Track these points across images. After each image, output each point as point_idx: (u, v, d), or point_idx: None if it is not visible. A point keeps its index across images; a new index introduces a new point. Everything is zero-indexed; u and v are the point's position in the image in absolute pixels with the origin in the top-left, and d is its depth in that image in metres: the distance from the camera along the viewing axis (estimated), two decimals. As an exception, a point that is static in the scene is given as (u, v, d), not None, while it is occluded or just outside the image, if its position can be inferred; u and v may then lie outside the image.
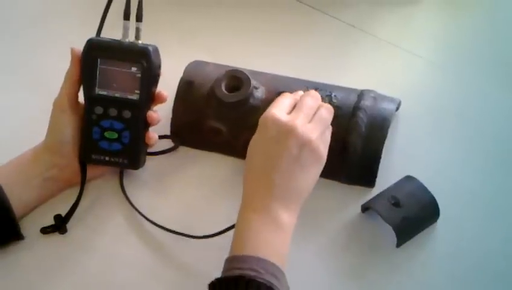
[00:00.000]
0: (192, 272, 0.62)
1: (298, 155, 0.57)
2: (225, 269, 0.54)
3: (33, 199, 0.65)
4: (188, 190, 0.69)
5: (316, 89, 0.67)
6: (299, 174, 0.58)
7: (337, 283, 0.61)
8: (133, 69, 0.63)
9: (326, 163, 0.60)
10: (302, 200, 0.58)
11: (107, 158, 0.66)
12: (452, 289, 0.60)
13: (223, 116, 0.70)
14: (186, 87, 0.72)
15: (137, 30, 0.64)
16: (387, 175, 0.66)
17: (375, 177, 0.67)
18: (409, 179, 0.65)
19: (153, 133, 0.67)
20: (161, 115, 0.67)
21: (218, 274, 0.53)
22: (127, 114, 0.65)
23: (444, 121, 0.75)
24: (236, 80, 0.70)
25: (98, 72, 0.64)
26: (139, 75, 0.63)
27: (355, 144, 0.66)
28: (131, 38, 0.64)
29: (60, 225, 0.65)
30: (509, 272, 0.62)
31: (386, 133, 0.67)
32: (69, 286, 0.61)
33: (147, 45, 0.64)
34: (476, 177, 0.69)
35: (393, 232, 0.61)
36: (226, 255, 0.55)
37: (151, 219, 0.65)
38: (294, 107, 0.62)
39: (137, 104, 0.64)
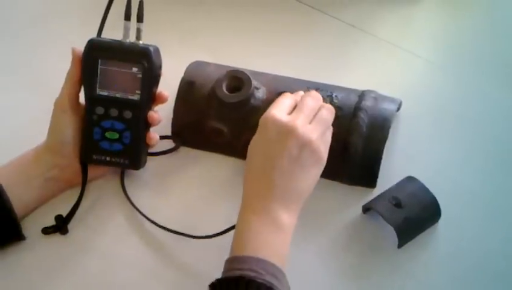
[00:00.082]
0: (192, 272, 0.62)
1: (298, 156, 0.57)
2: (225, 270, 0.54)
3: (34, 199, 0.65)
4: (188, 190, 0.69)
5: (316, 90, 0.67)
6: (299, 175, 0.58)
7: (338, 283, 0.61)
8: (134, 69, 0.63)
9: (327, 163, 0.60)
10: (303, 200, 0.58)
11: (108, 158, 0.66)
12: (453, 290, 0.61)
13: (224, 116, 0.70)
14: (187, 87, 0.72)
15: (138, 30, 0.64)
16: (389, 176, 0.66)
17: (376, 177, 0.67)
18: (410, 179, 0.65)
19: (154, 133, 0.67)
20: (162, 115, 0.67)
21: (218, 274, 0.53)
22: (128, 114, 0.65)
23: (444, 121, 0.75)
24: (237, 80, 0.70)
25: (98, 72, 0.63)
26: (140, 75, 0.63)
27: (356, 145, 0.66)
28: (132, 38, 0.64)
29: (61, 225, 0.65)
30: (510, 272, 0.62)
31: (387, 133, 0.67)
32: (70, 286, 0.61)
33: (148, 45, 0.64)
34: (476, 177, 0.69)
35: (394, 232, 0.61)
36: (226, 256, 0.55)
37: (152, 219, 0.65)
38: (295, 107, 0.61)
39: (138, 104, 0.64)
